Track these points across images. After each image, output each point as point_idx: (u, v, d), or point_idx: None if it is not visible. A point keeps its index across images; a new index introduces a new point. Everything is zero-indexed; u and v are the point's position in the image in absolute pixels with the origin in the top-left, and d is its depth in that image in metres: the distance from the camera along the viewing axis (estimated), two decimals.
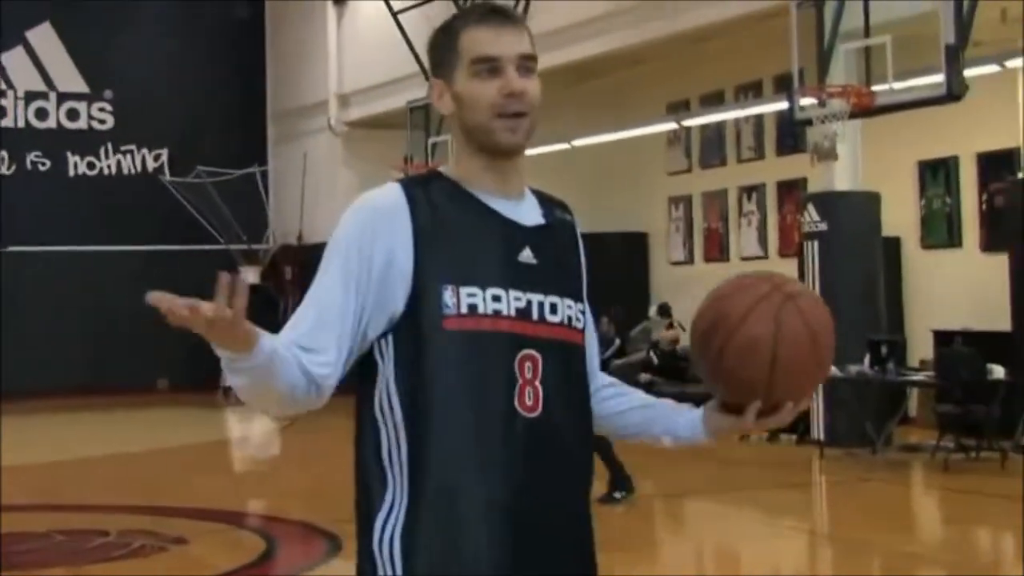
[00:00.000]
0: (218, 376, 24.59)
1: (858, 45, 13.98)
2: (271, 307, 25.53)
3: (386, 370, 2.67)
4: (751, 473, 14.34)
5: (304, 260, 25.83)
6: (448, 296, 2.64)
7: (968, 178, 17.54)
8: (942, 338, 16.35)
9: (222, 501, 13.41)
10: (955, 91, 12.80)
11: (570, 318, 2.76)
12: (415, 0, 21.43)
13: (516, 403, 2.66)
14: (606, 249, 18.36)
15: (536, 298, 2.71)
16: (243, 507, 13.17)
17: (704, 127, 21.00)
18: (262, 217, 26.69)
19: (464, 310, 2.64)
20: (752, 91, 19.92)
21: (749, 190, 20.82)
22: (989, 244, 17.03)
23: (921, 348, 16.86)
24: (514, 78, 2.70)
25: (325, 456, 17.72)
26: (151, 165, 26.89)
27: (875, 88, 13.74)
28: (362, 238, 2.66)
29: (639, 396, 3.02)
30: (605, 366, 3.18)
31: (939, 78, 12.89)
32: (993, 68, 14.28)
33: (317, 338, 2.62)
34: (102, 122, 26.82)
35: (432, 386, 2.64)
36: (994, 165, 16.84)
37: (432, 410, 2.64)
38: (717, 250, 21.39)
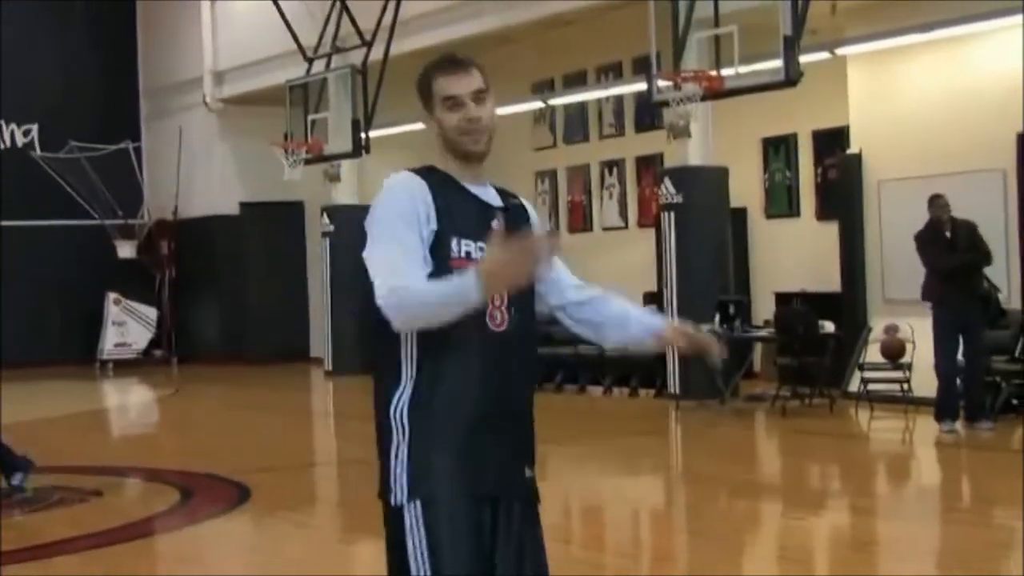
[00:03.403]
0: (94, 348, 25.45)
1: (709, 34, 14.67)
2: (147, 280, 25.88)
3: None
4: (615, 423, 15.29)
5: (180, 234, 25.94)
6: (454, 245, 3.59)
7: (805, 153, 18.45)
8: (782, 298, 17.33)
9: (123, 459, 13.85)
10: (792, 76, 13.69)
11: None
12: None
13: (487, 320, 3.61)
14: None
15: None
16: (146, 462, 13.35)
17: (568, 106, 21.43)
18: (137, 192, 26.43)
19: (462, 255, 3.59)
20: (612, 72, 20.36)
21: (610, 165, 21.41)
22: (823, 213, 17.99)
23: (764, 308, 17.69)
24: (471, 108, 3.66)
25: (208, 419, 18.51)
26: (20, 140, 26.26)
27: (724, 73, 14.43)
28: (409, 202, 3.58)
29: (610, 307, 3.93)
30: None
31: (778, 64, 13.75)
32: (825, 55, 15.27)
33: (420, 269, 3.54)
34: None
35: None
36: (827, 141, 17.70)
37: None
38: (581, 221, 21.94)
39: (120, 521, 10.28)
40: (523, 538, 3.70)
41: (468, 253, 3.60)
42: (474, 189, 3.72)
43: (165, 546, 9.61)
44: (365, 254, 3.61)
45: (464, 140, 3.67)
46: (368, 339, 3.79)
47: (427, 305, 3.47)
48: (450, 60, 3.77)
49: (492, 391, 3.62)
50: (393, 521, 3.61)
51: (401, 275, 3.50)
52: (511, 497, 3.69)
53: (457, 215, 3.62)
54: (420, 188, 3.62)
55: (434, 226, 3.59)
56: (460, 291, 3.40)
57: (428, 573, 3.54)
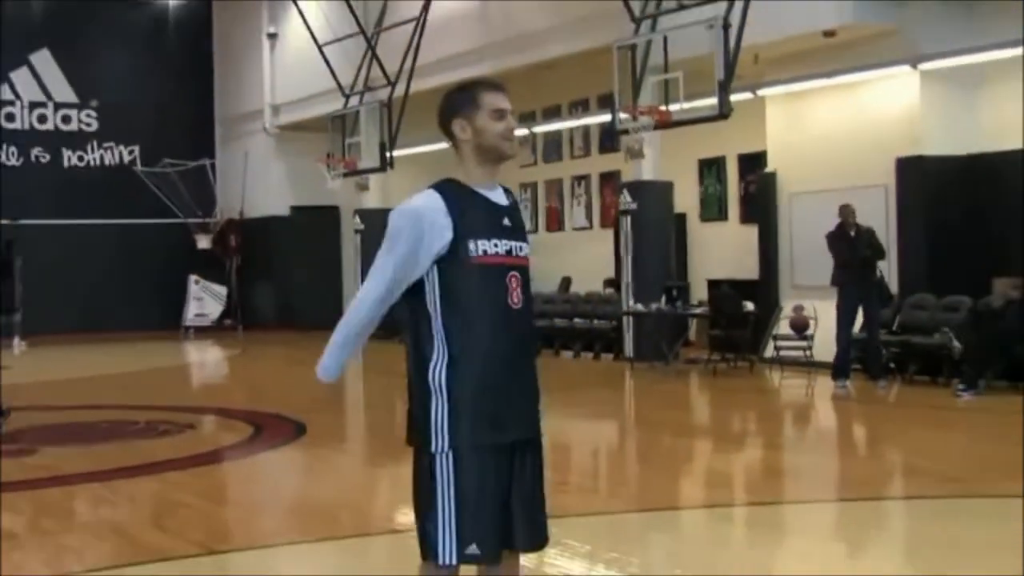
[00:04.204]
0: (180, 317, 25.57)
1: (660, 78, 14.59)
2: (219, 265, 26.03)
3: (434, 287, 3.43)
4: (581, 380, 15.24)
5: (246, 230, 26.08)
6: (471, 246, 3.42)
7: (732, 171, 18.50)
8: (713, 284, 17.42)
9: (207, 402, 14.05)
10: (724, 111, 13.66)
11: (527, 254, 3.56)
12: (335, 36, 21.83)
13: (508, 300, 3.48)
14: None
15: (514, 244, 3.51)
16: (224, 404, 13.53)
17: (546, 132, 21.54)
18: (212, 197, 26.56)
19: (480, 253, 3.43)
20: (581, 107, 20.41)
21: (579, 179, 21.47)
22: (745, 218, 18.01)
23: (699, 291, 17.80)
24: (512, 120, 3.52)
25: (268, 372, 18.61)
26: (127, 158, 26.53)
27: (671, 108, 14.40)
28: (414, 225, 3.41)
29: None
30: None
31: (713, 101, 13.73)
32: (749, 95, 15.24)
33: (398, 287, 3.46)
34: (89, 125, 26.38)
35: (463, 293, 3.42)
36: (749, 162, 17.70)
37: (462, 305, 3.43)
38: (556, 223, 22.03)
39: (210, 447, 10.57)
40: (533, 470, 3.57)
41: (485, 251, 3.45)
42: (486, 192, 3.51)
43: (245, 467, 9.65)
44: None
45: (505, 145, 3.51)
46: (405, 316, 3.55)
47: (337, 330, 3.58)
48: (494, 83, 3.59)
49: (512, 354, 3.49)
50: (427, 466, 3.44)
51: (377, 287, 3.48)
52: (528, 436, 3.57)
53: (471, 220, 3.43)
54: (432, 209, 3.44)
55: (450, 235, 3.41)
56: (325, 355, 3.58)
57: (453, 512, 3.41)
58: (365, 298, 3.50)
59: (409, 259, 3.42)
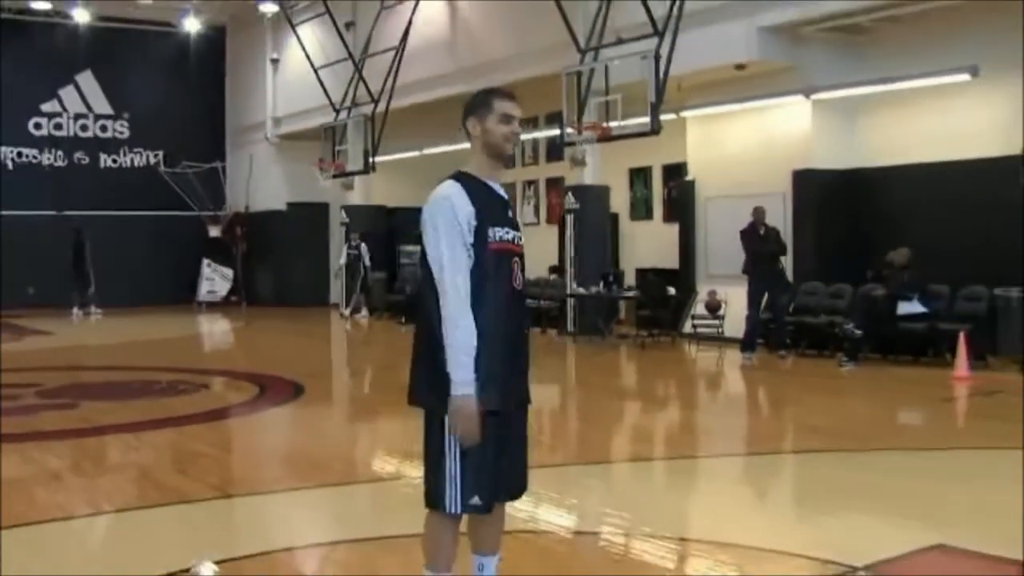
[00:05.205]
0: (195, 293, 25.31)
1: (602, 99, 14.54)
2: (227, 251, 25.80)
3: None
4: (530, 351, 15.41)
5: (250, 222, 25.85)
6: (491, 232, 3.29)
7: (657, 178, 18.42)
8: (641, 272, 17.37)
9: (218, 365, 13.96)
10: (655, 129, 13.62)
11: (522, 243, 3.43)
12: (328, 61, 21.67)
13: (513, 282, 3.36)
14: None
15: (515, 233, 3.40)
16: (233, 368, 13.44)
17: None
18: (222, 194, 26.36)
19: (497, 239, 3.31)
20: (531, 123, 19.88)
21: (529, 183, 21.33)
22: (668, 218, 17.97)
23: (630, 278, 17.68)
24: (516, 126, 3.41)
25: (269, 341, 18.29)
26: (152, 161, 26.22)
27: (611, 124, 14.33)
28: (457, 217, 3.26)
29: None
30: None
31: (646, 120, 13.69)
32: (673, 116, 15.00)
33: (464, 266, 3.25)
34: (122, 133, 26.12)
35: (478, 276, 3.26)
36: (672, 171, 17.61)
37: (476, 287, 3.26)
38: None
39: (222, 404, 10.40)
40: (523, 429, 3.52)
41: (500, 238, 3.32)
42: (493, 185, 3.39)
43: (252, 421, 9.50)
44: (431, 248, 3.28)
45: (507, 146, 3.40)
46: (421, 302, 3.34)
47: (448, 335, 3.21)
48: (508, 92, 3.47)
49: (515, 330, 3.37)
50: (438, 429, 3.31)
51: (460, 278, 3.23)
52: (523, 403, 3.51)
53: (487, 211, 3.30)
54: (462, 199, 3.28)
55: (475, 222, 3.27)
56: (454, 371, 3.19)
57: (459, 468, 3.31)
58: (453, 301, 3.21)
59: (460, 237, 3.25)
